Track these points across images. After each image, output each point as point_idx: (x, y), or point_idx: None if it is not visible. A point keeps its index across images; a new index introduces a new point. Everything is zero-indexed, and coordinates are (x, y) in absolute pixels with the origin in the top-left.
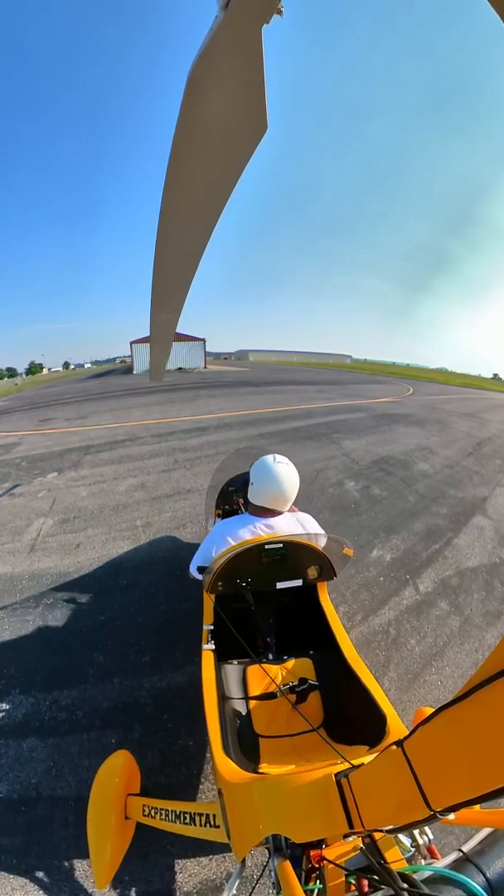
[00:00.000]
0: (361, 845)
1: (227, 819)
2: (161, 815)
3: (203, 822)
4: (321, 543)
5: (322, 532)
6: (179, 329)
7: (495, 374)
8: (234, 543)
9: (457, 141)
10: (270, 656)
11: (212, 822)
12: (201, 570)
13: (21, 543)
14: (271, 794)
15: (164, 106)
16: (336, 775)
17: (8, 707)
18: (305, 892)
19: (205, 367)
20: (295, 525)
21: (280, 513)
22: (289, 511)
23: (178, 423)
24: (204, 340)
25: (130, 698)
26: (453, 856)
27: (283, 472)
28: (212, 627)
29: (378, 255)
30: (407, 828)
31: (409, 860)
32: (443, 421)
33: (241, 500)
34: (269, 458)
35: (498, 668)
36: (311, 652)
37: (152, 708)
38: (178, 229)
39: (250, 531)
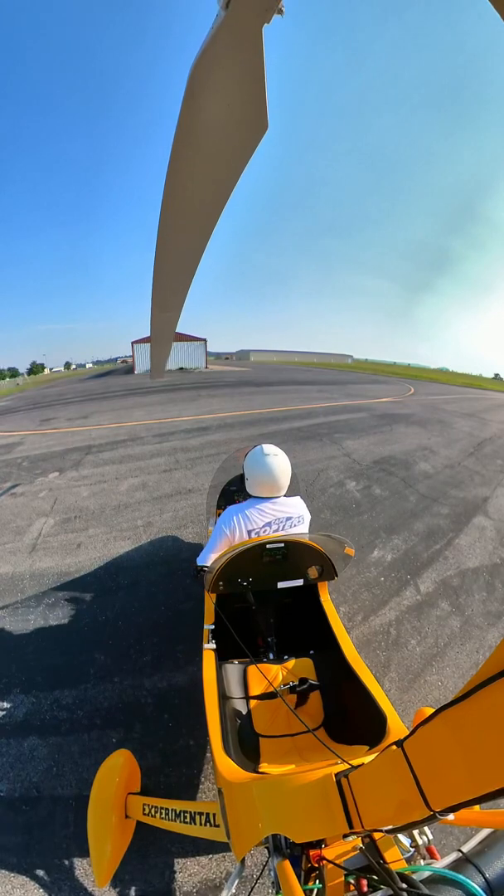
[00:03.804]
0: (361, 845)
1: (227, 818)
2: (161, 814)
3: (203, 822)
4: (313, 538)
5: (307, 513)
6: (180, 329)
7: (496, 374)
8: (244, 523)
9: (457, 139)
10: (271, 656)
11: (212, 822)
12: (201, 569)
13: (22, 543)
14: (271, 794)
15: (165, 105)
16: (336, 775)
17: (9, 706)
18: (305, 891)
19: (206, 367)
20: (294, 503)
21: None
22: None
23: (179, 423)
24: (205, 340)
25: (131, 698)
26: (453, 856)
27: (274, 463)
28: (213, 627)
29: (379, 254)
30: (406, 828)
31: (408, 860)
32: (444, 421)
33: (242, 500)
34: (258, 450)
35: (498, 669)
36: (311, 652)
37: (153, 707)
38: (178, 228)
39: (258, 511)
